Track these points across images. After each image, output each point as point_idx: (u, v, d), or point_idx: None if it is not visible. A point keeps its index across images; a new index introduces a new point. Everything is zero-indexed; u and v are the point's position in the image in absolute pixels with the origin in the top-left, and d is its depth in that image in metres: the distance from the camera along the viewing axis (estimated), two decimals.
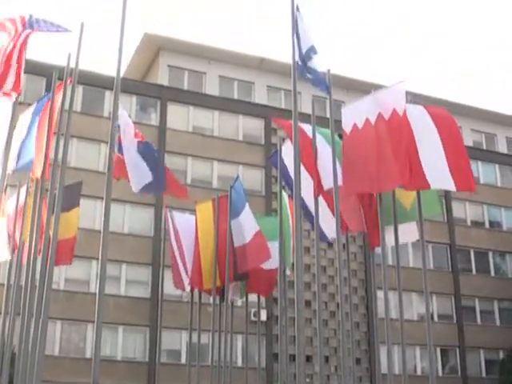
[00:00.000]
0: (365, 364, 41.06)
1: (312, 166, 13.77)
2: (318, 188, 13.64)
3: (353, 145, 13.00)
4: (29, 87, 35.34)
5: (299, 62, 13.12)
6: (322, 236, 14.65)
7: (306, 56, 13.11)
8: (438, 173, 12.35)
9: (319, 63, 13.29)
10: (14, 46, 12.48)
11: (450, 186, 12.60)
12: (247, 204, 18.85)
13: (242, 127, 44.46)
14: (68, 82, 13.65)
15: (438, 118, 12.81)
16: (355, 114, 13.20)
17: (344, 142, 13.21)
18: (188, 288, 19.72)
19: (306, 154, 13.75)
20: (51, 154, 13.56)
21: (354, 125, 12.99)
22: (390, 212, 12.98)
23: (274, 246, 17.17)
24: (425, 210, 13.09)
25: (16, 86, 12.57)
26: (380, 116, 12.70)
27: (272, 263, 17.43)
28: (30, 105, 14.92)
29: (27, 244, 13.72)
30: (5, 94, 12.63)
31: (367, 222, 14.10)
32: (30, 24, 12.65)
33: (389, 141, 12.51)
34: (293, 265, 16.38)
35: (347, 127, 13.12)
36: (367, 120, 12.86)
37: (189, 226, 19.75)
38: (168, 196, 40.36)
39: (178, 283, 19.77)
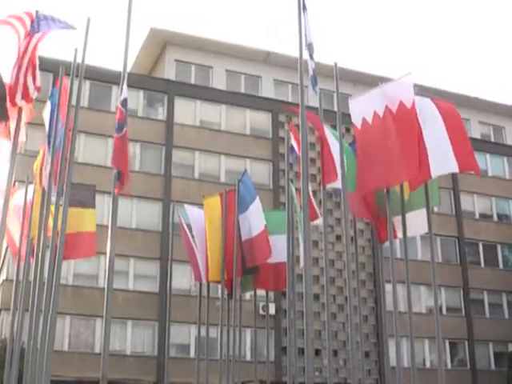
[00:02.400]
0: (373, 357, 41.05)
1: (326, 158, 13.76)
2: (326, 179, 13.64)
3: (365, 142, 12.93)
4: None
5: (309, 55, 12.94)
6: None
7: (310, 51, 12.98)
8: (441, 157, 12.30)
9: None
10: (25, 52, 12.31)
11: (453, 167, 12.57)
12: (257, 197, 18.84)
13: (249, 121, 44.43)
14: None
15: (443, 110, 12.83)
16: (363, 107, 13.13)
17: (357, 139, 13.14)
18: (204, 280, 19.73)
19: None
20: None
21: (364, 119, 12.92)
22: (395, 202, 12.99)
23: (282, 240, 17.18)
24: (421, 200, 13.10)
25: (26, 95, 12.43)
26: (387, 109, 12.66)
27: (281, 256, 17.44)
28: (37, 100, 14.90)
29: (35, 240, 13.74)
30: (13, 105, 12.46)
31: (375, 216, 14.10)
32: (37, 22, 12.51)
33: (396, 134, 12.47)
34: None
35: (357, 122, 13.03)
36: (375, 113, 12.80)
37: (199, 220, 19.82)
38: (176, 191, 40.47)
39: (197, 276, 19.82)
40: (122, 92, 12.78)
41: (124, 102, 12.65)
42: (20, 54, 12.21)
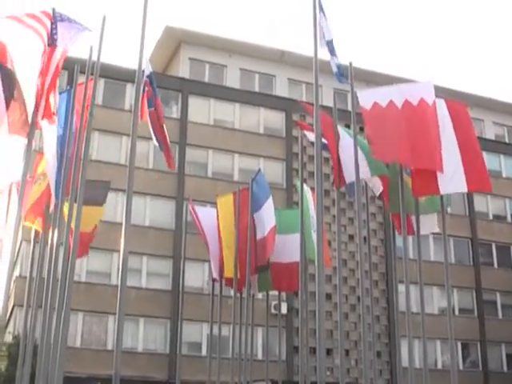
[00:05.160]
0: (385, 357, 40.97)
1: (334, 159, 13.74)
2: (340, 180, 13.61)
3: (377, 118, 12.70)
4: None
5: (329, 53, 12.87)
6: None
7: (330, 47, 12.93)
8: (451, 173, 12.22)
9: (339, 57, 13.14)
10: (48, 67, 12.18)
11: (462, 187, 12.50)
12: (271, 197, 18.84)
13: (262, 120, 44.43)
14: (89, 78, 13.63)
15: (455, 115, 12.74)
16: (376, 95, 13.01)
17: (365, 116, 12.81)
18: (218, 279, 19.77)
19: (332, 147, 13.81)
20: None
21: (375, 103, 12.72)
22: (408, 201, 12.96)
23: (295, 239, 17.16)
24: (435, 204, 13.09)
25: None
26: (407, 101, 12.56)
27: (294, 256, 17.44)
28: None
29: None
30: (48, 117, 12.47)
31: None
32: (55, 26, 12.37)
33: (418, 124, 12.38)
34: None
35: (367, 104, 12.81)
36: (392, 102, 12.65)
37: (210, 219, 19.81)
38: (189, 189, 40.42)
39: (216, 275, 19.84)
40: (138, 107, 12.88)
41: (150, 77, 13.29)
42: (44, 65, 12.14)
